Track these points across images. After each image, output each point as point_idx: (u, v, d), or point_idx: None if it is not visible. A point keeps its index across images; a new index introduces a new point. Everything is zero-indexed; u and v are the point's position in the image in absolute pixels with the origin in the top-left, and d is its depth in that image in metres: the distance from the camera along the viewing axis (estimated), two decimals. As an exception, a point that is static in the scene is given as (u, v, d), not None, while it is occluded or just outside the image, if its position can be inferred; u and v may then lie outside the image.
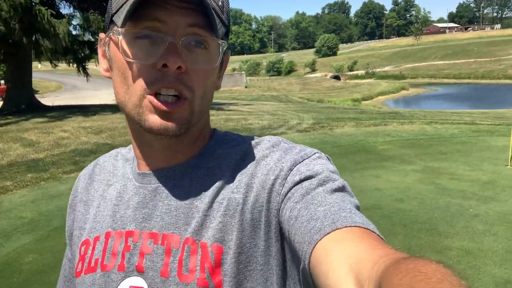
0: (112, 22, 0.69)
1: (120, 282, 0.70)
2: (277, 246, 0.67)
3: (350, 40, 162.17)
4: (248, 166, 0.71)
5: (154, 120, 0.66)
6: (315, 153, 0.71)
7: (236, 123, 11.48)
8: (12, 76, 15.66)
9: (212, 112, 14.36)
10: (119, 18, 0.65)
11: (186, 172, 0.73)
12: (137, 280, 0.70)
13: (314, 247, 0.57)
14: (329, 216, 0.59)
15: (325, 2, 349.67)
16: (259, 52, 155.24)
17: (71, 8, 15.84)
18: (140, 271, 0.70)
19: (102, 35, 0.73)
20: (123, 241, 0.72)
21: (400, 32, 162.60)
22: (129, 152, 0.83)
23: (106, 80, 0.84)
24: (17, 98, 15.51)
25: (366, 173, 6.80)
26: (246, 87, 39.87)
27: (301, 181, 0.66)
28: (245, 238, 0.67)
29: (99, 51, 0.74)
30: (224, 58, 0.72)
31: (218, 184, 0.70)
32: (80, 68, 16.51)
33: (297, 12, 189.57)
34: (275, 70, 76.27)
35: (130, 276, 0.70)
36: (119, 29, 0.65)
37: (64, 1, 15.53)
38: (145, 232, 0.71)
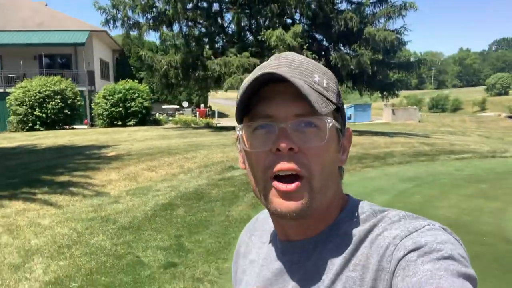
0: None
1: None
2: None
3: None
4: (367, 245, 0.73)
5: (277, 202, 0.73)
6: (425, 226, 0.70)
7: (461, 147, 13.76)
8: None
9: (424, 139, 16.77)
10: (237, 117, 0.77)
11: (318, 245, 0.78)
12: None
13: None
14: (417, 285, 0.60)
15: (492, 39, 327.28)
16: (416, 88, 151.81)
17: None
18: None
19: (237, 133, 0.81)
20: None
21: None
22: None
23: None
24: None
25: None
26: (419, 121, 41.18)
27: (404, 255, 0.66)
28: None
29: (238, 148, 0.82)
30: (344, 133, 0.80)
31: (342, 261, 0.74)
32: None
33: (461, 48, 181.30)
34: (439, 107, 74.94)
35: None
36: (238, 126, 0.77)
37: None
38: None
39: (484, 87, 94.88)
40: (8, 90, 26.70)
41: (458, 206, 7.36)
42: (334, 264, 0.74)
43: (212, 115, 41.13)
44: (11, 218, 6.08)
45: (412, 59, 23.16)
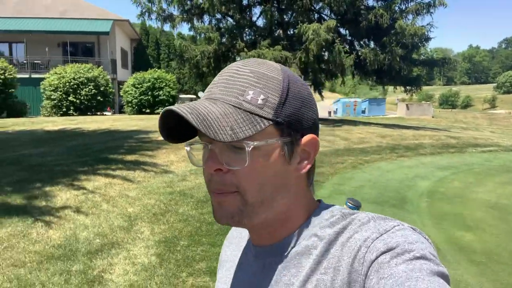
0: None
1: None
2: None
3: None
4: (338, 248, 0.72)
5: (213, 210, 0.76)
6: (395, 226, 0.70)
7: (485, 141, 14.41)
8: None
9: (447, 133, 17.39)
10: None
11: (286, 248, 0.79)
12: None
13: None
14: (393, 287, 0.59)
15: (502, 37, 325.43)
16: (425, 84, 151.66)
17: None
18: None
19: None
20: None
21: None
22: None
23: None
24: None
25: None
26: (433, 117, 41.70)
27: (376, 257, 0.65)
28: None
29: None
30: (297, 142, 0.75)
31: (312, 263, 0.73)
32: (317, 91, 21.45)
33: (471, 45, 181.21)
34: (449, 103, 75.36)
35: None
36: (185, 142, 0.79)
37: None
38: None
39: (494, 84, 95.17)
40: (34, 76, 27.53)
41: (495, 191, 8.06)
42: (305, 267, 0.74)
43: (227, 106, 41.85)
44: (102, 190, 6.83)
45: (421, 55, 23.79)
